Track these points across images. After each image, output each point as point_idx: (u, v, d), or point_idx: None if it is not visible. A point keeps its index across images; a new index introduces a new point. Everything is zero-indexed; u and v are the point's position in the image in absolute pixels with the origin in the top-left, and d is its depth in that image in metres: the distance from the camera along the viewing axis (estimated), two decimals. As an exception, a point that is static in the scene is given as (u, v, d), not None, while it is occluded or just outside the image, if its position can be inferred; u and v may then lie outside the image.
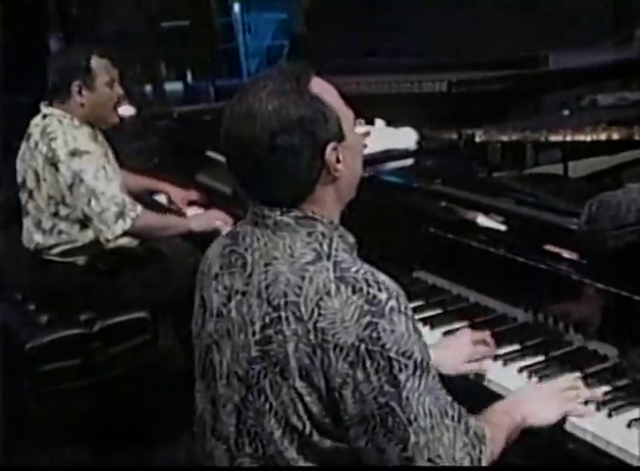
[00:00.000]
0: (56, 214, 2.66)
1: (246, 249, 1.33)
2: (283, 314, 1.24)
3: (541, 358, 1.69)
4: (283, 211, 1.30)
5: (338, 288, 1.22)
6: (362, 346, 1.20)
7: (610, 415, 1.46)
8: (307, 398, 1.24)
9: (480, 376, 1.67)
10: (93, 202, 2.57)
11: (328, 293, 1.22)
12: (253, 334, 1.27)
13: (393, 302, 1.22)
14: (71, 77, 2.68)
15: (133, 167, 3.31)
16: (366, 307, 1.21)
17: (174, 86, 8.53)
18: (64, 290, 2.69)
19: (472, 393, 1.66)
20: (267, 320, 1.26)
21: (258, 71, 8.81)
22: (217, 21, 8.80)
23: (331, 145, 1.28)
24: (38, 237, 2.71)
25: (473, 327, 1.85)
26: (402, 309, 1.23)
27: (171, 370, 2.79)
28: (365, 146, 1.43)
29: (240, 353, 1.30)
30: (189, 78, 8.61)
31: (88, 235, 2.68)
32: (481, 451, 1.29)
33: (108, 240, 2.62)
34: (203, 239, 2.88)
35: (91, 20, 7.20)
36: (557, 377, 1.61)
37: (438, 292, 2.03)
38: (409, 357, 1.21)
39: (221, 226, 2.75)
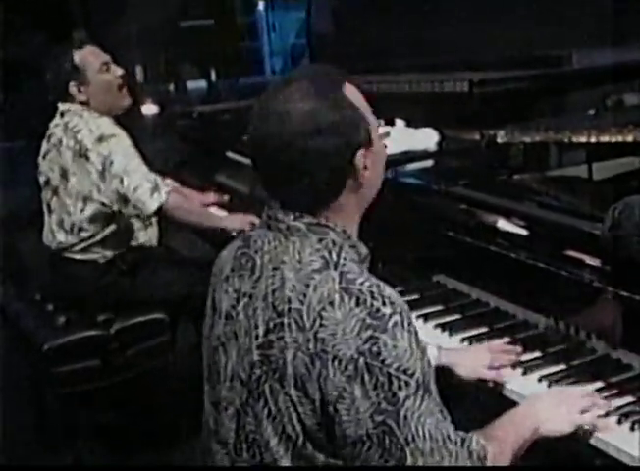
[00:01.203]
0: (82, 210, 2.65)
1: (257, 252, 1.32)
2: (285, 320, 1.22)
3: (562, 367, 1.64)
4: (296, 216, 1.28)
5: (341, 299, 1.19)
6: (361, 360, 1.17)
7: (632, 428, 1.42)
8: (300, 409, 1.21)
9: (498, 384, 1.63)
10: (126, 180, 2.57)
11: (331, 304, 1.20)
12: (257, 337, 1.26)
13: (396, 317, 1.19)
14: (63, 80, 2.69)
15: (154, 166, 3.30)
16: (369, 320, 1.18)
17: (197, 85, 8.55)
18: (82, 291, 2.69)
19: (490, 402, 1.63)
20: (270, 325, 1.24)
21: (282, 69, 8.81)
22: (241, 19, 8.80)
23: (361, 151, 1.27)
24: (61, 236, 2.71)
25: (493, 333, 1.82)
26: (406, 325, 1.20)
27: (188, 371, 2.77)
28: (385, 148, 1.40)
29: (245, 357, 1.28)
30: (213, 76, 8.61)
31: (108, 231, 2.68)
32: None
33: (148, 216, 2.62)
34: (221, 240, 2.89)
35: (114, 19, 7.23)
36: (578, 386, 1.56)
37: (457, 297, 1.99)
38: (411, 375, 1.18)
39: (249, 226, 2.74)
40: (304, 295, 1.21)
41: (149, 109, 6.19)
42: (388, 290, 1.22)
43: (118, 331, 2.62)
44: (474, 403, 1.47)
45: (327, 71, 1.32)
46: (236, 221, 2.78)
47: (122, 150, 2.60)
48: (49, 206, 2.76)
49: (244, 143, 3.16)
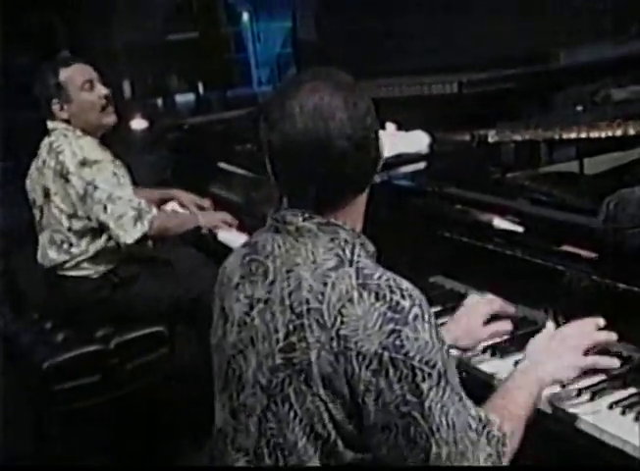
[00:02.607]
0: (69, 228, 2.66)
1: (267, 257, 1.32)
2: (306, 321, 1.22)
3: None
4: (305, 217, 1.29)
5: (360, 295, 1.20)
6: (385, 354, 1.18)
7: (637, 419, 1.42)
8: (331, 405, 1.22)
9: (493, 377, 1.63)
10: (110, 208, 2.56)
11: (350, 300, 1.20)
12: (277, 341, 1.26)
13: (416, 310, 1.20)
14: (47, 96, 2.68)
15: (145, 180, 3.31)
16: (389, 314, 1.19)
17: (185, 98, 8.57)
18: (79, 307, 2.69)
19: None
20: (291, 327, 1.24)
21: (269, 79, 8.83)
22: (226, 31, 8.82)
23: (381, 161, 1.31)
24: (53, 254, 2.71)
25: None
26: (426, 317, 1.21)
27: (189, 382, 2.77)
28: None
29: (265, 362, 1.28)
30: (201, 89, 8.63)
31: (98, 245, 2.67)
32: (504, 454, 1.27)
33: (127, 245, 2.61)
34: (216, 250, 2.90)
35: (101, 35, 7.24)
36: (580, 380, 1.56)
37: (455, 297, 1.99)
38: (433, 366, 1.19)
39: (226, 226, 2.88)
40: (322, 294, 1.22)
41: (138, 124, 6.20)
42: (405, 283, 1.23)
43: (117, 345, 2.62)
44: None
45: (330, 70, 1.30)
46: (209, 217, 2.92)
47: (105, 177, 2.58)
48: (40, 225, 2.76)
49: (237, 153, 3.20)
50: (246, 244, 1.40)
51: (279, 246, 1.31)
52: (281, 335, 1.25)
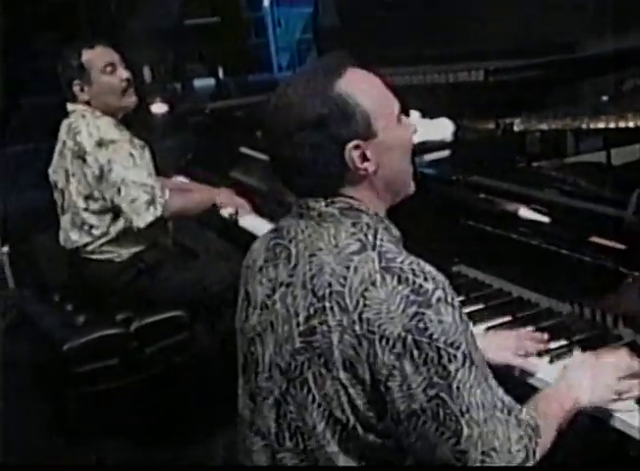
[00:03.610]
0: (86, 209, 2.67)
1: (291, 241, 1.32)
2: (327, 304, 1.22)
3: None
4: (328, 203, 1.29)
5: (383, 279, 1.20)
6: (409, 337, 1.17)
7: (663, 413, 1.40)
8: (351, 390, 1.22)
9: (525, 373, 1.61)
10: (123, 191, 2.57)
11: (373, 283, 1.20)
12: (297, 325, 1.26)
13: (440, 292, 1.20)
14: (69, 78, 2.69)
15: (166, 164, 3.31)
16: (412, 297, 1.18)
17: (205, 83, 8.56)
18: (100, 290, 2.70)
19: (517, 391, 1.61)
20: (311, 311, 1.24)
21: (289, 65, 8.80)
22: (247, 16, 8.80)
23: (351, 144, 1.26)
24: (74, 236, 2.72)
25: (517, 322, 1.81)
26: (449, 300, 1.21)
27: (208, 368, 2.78)
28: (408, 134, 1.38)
29: (284, 345, 1.28)
30: (221, 74, 8.61)
31: (119, 226, 2.68)
32: (536, 443, 1.27)
33: (139, 229, 2.61)
34: (237, 237, 2.90)
35: (121, 20, 7.24)
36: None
37: (479, 287, 1.98)
38: (458, 348, 1.19)
39: (243, 211, 2.88)
40: (345, 278, 1.21)
41: (159, 108, 6.20)
42: (428, 267, 1.23)
43: (137, 329, 2.62)
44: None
45: (328, 62, 1.32)
46: (226, 195, 2.93)
47: (120, 159, 2.59)
48: (62, 207, 2.78)
49: (258, 138, 3.18)
50: (274, 229, 1.40)
51: (302, 231, 1.31)
52: (301, 318, 1.26)
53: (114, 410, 2.59)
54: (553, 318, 1.76)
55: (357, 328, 1.19)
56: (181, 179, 3.33)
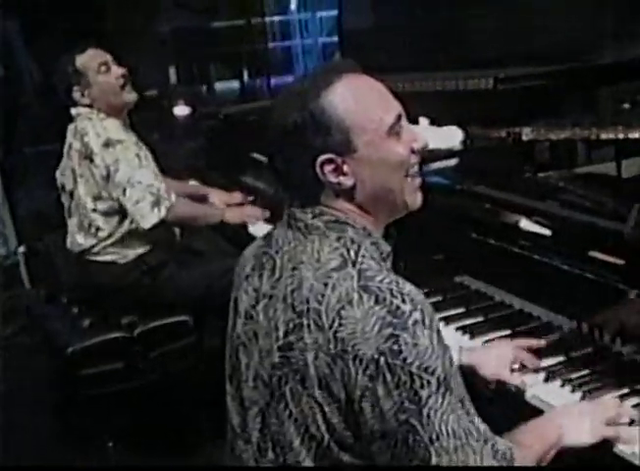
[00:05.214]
0: (95, 210, 2.68)
1: (277, 252, 1.31)
2: (305, 321, 1.20)
3: (586, 372, 1.59)
4: (315, 214, 1.28)
5: (360, 298, 1.17)
6: (382, 359, 1.14)
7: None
8: (327, 408, 1.20)
9: (520, 390, 1.58)
10: (129, 191, 2.59)
11: (350, 302, 1.17)
12: (277, 339, 1.25)
13: (417, 315, 1.16)
14: (67, 85, 2.71)
15: (181, 167, 3.31)
16: (388, 319, 1.15)
17: (229, 85, 8.58)
18: (105, 292, 2.70)
19: (512, 408, 1.58)
20: (290, 326, 1.22)
21: (315, 68, 8.80)
22: (272, 18, 8.81)
23: (323, 157, 1.23)
24: (81, 239, 2.73)
25: (515, 336, 1.77)
26: (427, 322, 1.17)
27: (213, 372, 2.77)
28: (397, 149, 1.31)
29: (265, 358, 1.27)
30: (245, 76, 8.63)
31: (125, 227, 2.69)
32: None
33: (144, 230, 2.62)
34: (247, 243, 2.88)
35: (145, 22, 7.29)
36: (602, 392, 1.51)
37: (480, 298, 1.95)
38: (432, 373, 1.15)
39: (253, 221, 2.87)
40: (322, 295, 1.19)
41: (181, 110, 6.22)
42: (408, 287, 1.20)
43: (141, 333, 2.62)
44: (495, 408, 1.43)
45: (331, 69, 1.30)
46: (236, 213, 2.90)
47: (127, 159, 2.60)
48: (69, 210, 2.80)
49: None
50: (265, 236, 1.39)
51: (289, 242, 1.30)
52: (281, 333, 1.24)
53: (118, 414, 2.59)
54: (552, 332, 1.72)
55: (332, 346, 1.17)
56: (193, 182, 3.33)
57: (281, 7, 8.98)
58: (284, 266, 1.28)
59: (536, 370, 1.62)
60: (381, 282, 1.19)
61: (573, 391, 1.54)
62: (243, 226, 2.86)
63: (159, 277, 2.71)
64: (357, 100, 1.26)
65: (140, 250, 2.72)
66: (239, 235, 2.90)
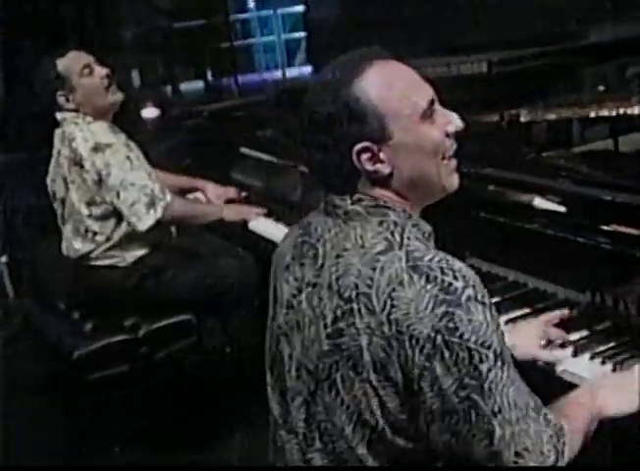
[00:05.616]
0: (90, 215, 2.64)
1: (318, 240, 1.30)
2: (355, 306, 1.20)
3: (612, 344, 1.62)
4: (354, 201, 1.27)
5: (411, 278, 1.17)
6: (439, 337, 1.15)
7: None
8: (382, 392, 1.20)
9: (551, 365, 1.60)
10: (123, 194, 2.56)
11: (401, 283, 1.17)
12: (325, 327, 1.24)
13: (469, 291, 1.17)
14: (51, 90, 2.66)
15: (164, 168, 3.28)
16: (441, 296, 1.15)
17: (194, 85, 8.54)
18: (107, 296, 2.67)
19: (544, 383, 1.59)
20: (339, 313, 1.22)
21: (277, 65, 8.79)
22: (234, 17, 8.77)
23: (359, 146, 1.23)
24: (78, 245, 2.69)
25: (535, 313, 1.78)
26: (480, 298, 1.18)
27: (220, 370, 2.77)
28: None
29: (311, 347, 1.26)
30: (209, 76, 8.59)
31: (122, 230, 2.66)
32: (564, 444, 1.24)
33: (141, 232, 2.60)
34: (244, 238, 2.88)
35: (108, 26, 7.21)
36: (633, 362, 1.53)
37: (493, 280, 1.96)
38: (489, 347, 1.16)
39: (252, 217, 2.84)
40: (371, 279, 1.19)
41: (150, 112, 6.17)
42: (458, 264, 1.20)
43: (146, 334, 2.60)
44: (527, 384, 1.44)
45: (354, 57, 1.28)
46: (233, 211, 2.87)
47: (118, 162, 2.57)
48: (62, 217, 2.75)
49: (258, 139, 3.17)
50: (301, 225, 1.38)
51: (329, 230, 1.29)
52: (329, 320, 1.23)
53: (126, 417, 2.57)
54: (571, 308, 1.74)
55: (386, 329, 1.17)
56: (198, 196, 3.25)
57: (240, 5, 8.96)
58: (326, 254, 1.27)
59: (563, 344, 1.64)
60: (430, 260, 1.19)
61: (604, 363, 1.56)
62: (241, 223, 2.84)
63: (160, 279, 2.68)
64: (390, 86, 1.25)
65: (139, 253, 2.69)
66: (234, 233, 2.90)
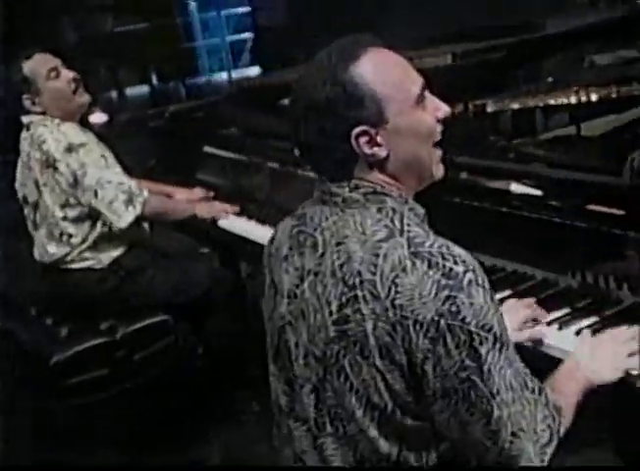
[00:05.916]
0: (65, 218, 2.61)
1: (315, 229, 1.32)
2: (359, 293, 1.22)
3: (595, 319, 1.68)
4: (351, 188, 1.29)
5: (413, 264, 1.20)
6: (442, 321, 1.18)
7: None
8: (388, 376, 1.23)
9: (538, 342, 1.65)
10: (100, 193, 2.54)
11: (404, 270, 1.20)
12: (330, 314, 1.26)
13: (470, 275, 1.21)
14: (16, 94, 2.62)
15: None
16: (444, 281, 1.19)
17: (140, 90, 8.47)
18: (83, 300, 2.65)
19: (532, 361, 1.65)
20: (343, 299, 1.24)
21: (221, 67, 8.77)
22: (177, 20, 8.73)
23: (358, 129, 1.25)
24: (52, 249, 2.66)
25: (517, 295, 1.84)
26: (480, 282, 1.22)
27: (199, 370, 2.77)
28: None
29: (317, 334, 1.29)
30: (154, 79, 8.53)
31: (97, 231, 2.64)
32: (560, 423, 1.30)
33: (122, 230, 2.59)
34: (213, 237, 2.89)
35: (51, 31, 7.10)
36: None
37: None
38: (489, 330, 1.20)
39: (223, 215, 2.84)
40: (375, 266, 1.22)
41: (99, 117, 6.11)
42: (457, 249, 1.23)
43: (123, 337, 2.59)
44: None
45: (348, 42, 1.29)
46: (205, 207, 2.88)
47: (93, 161, 2.55)
48: (34, 222, 2.71)
49: (222, 137, 3.17)
50: (294, 216, 1.40)
51: (326, 218, 1.31)
52: (334, 307, 1.26)
53: (106, 421, 2.55)
54: (552, 288, 1.80)
55: (391, 314, 1.20)
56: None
57: (182, 8, 8.91)
58: (326, 242, 1.29)
59: (548, 323, 1.69)
60: (431, 246, 1.22)
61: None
62: (211, 221, 2.85)
63: (137, 280, 2.68)
64: (386, 72, 1.28)
65: (115, 253, 2.67)
66: (201, 229, 2.90)
